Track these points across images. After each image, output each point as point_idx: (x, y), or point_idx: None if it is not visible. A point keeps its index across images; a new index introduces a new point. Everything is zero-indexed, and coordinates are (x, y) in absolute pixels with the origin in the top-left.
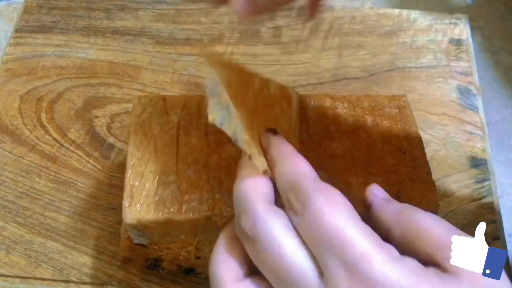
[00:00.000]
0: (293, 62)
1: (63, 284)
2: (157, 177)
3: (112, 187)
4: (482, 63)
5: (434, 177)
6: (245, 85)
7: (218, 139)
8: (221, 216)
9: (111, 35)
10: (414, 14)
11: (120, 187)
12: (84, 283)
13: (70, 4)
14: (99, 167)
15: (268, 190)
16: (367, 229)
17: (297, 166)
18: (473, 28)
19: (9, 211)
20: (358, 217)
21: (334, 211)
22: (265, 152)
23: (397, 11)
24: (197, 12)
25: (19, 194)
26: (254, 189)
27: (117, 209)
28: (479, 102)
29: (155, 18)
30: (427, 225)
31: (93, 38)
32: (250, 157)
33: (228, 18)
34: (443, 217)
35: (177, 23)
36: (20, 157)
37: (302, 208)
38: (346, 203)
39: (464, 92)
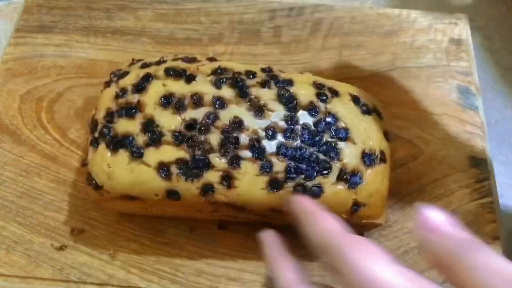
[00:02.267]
0: (293, 62)
1: (63, 284)
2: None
3: None
4: (482, 63)
5: (434, 176)
6: None
7: None
8: None
9: (111, 35)
10: (414, 14)
11: None
12: (84, 283)
13: (70, 4)
14: None
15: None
16: (403, 269)
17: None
18: (473, 28)
19: (9, 211)
20: (391, 260)
21: (370, 262)
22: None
23: (397, 11)
24: (197, 12)
25: (19, 194)
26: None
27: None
28: (479, 102)
29: (155, 18)
30: None
31: (93, 38)
32: None
33: (228, 17)
34: None
35: (177, 23)
36: (20, 156)
37: (340, 267)
38: (377, 249)
39: (464, 92)
